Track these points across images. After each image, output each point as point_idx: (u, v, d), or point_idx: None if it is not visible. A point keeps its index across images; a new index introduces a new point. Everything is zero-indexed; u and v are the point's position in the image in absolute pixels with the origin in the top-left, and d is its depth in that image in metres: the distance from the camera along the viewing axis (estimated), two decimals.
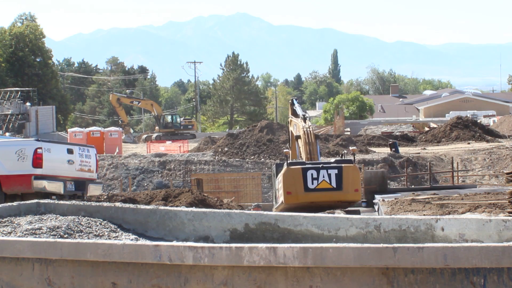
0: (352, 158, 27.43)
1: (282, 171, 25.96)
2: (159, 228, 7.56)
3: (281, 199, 26.36)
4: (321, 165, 25.99)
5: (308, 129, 28.52)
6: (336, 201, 25.62)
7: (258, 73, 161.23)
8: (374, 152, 49.10)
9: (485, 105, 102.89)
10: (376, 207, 26.57)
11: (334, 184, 25.60)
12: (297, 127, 30.23)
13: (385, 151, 49.55)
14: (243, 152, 48.52)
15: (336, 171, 25.63)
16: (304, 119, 29.97)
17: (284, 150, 28.54)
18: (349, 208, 26.62)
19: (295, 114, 32.10)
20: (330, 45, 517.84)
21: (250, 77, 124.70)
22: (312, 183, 25.61)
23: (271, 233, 7.18)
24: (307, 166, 25.96)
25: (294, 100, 34.03)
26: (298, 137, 29.31)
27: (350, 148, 31.12)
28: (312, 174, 25.60)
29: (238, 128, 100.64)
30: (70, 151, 19.01)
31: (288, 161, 26.64)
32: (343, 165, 25.90)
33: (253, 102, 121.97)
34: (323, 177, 25.60)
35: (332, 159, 28.49)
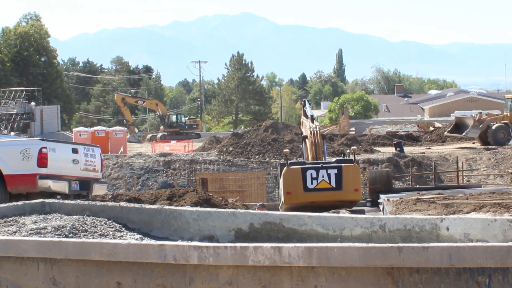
0: (352, 157, 27.48)
1: (283, 171, 26.03)
2: (164, 228, 7.56)
3: (282, 199, 26.45)
4: (320, 165, 26.01)
5: (314, 130, 28.57)
6: (336, 200, 25.62)
7: (263, 72, 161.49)
8: (379, 151, 49.07)
9: (490, 105, 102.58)
10: (381, 207, 26.56)
11: (333, 184, 25.63)
12: (305, 128, 30.34)
13: (390, 150, 49.50)
14: (248, 151, 48.52)
15: (335, 170, 25.65)
16: (312, 119, 30.06)
17: (284, 150, 28.57)
18: (354, 208, 26.65)
19: (305, 115, 32.25)
20: (335, 44, 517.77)
21: (255, 77, 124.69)
22: (312, 183, 25.64)
23: (276, 232, 7.18)
24: (306, 166, 25.98)
25: (306, 101, 34.19)
26: (305, 137, 29.38)
27: (351, 147, 31.19)
28: (311, 174, 25.62)
29: (243, 127, 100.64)
30: (75, 151, 19.01)
31: (289, 161, 26.70)
32: (343, 165, 25.92)
33: (258, 101, 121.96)
34: (323, 177, 25.62)
35: (334, 159, 28.56)
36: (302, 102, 34.83)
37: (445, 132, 56.41)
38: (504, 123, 50.61)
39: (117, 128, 68.33)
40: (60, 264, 5.76)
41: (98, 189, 19.78)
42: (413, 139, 60.21)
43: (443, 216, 6.76)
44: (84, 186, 19.09)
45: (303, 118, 32.43)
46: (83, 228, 7.25)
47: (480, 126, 50.12)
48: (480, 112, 53.17)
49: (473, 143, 53.14)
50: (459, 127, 52.13)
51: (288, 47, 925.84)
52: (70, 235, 7.02)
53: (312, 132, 28.52)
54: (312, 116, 30.70)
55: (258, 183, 41.73)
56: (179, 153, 52.17)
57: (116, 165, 47.16)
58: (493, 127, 50.14)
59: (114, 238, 7.15)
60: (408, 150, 50.50)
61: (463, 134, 51.09)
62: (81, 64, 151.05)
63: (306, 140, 29.12)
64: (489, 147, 48.66)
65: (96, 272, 5.64)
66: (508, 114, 52.01)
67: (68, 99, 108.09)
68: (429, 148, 52.58)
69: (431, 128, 68.94)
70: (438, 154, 47.92)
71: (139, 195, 21.83)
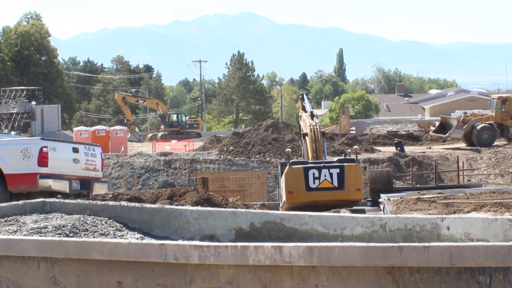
0: (354, 157, 27.48)
1: (285, 171, 26.01)
2: (165, 227, 7.56)
3: (284, 198, 26.44)
4: (323, 164, 26.01)
5: (315, 127, 28.55)
6: (338, 200, 25.64)
7: (263, 72, 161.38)
8: (380, 151, 49.09)
9: (490, 105, 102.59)
10: (381, 206, 26.55)
11: (335, 184, 25.64)
12: (305, 123, 30.28)
13: (390, 150, 49.52)
14: (249, 151, 48.52)
15: (338, 170, 25.65)
16: (312, 116, 29.98)
17: (286, 150, 28.56)
18: (355, 207, 26.65)
19: (304, 109, 32.14)
20: (336, 44, 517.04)
21: (255, 76, 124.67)
22: (314, 183, 25.64)
23: (277, 232, 7.18)
24: (309, 165, 25.98)
25: (304, 95, 34.06)
26: (305, 134, 29.35)
27: (353, 147, 31.18)
28: (313, 174, 25.62)
29: (243, 127, 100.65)
30: (75, 150, 19.00)
31: (291, 161, 26.66)
32: (345, 164, 25.93)
33: (259, 101, 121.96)
34: (325, 176, 25.62)
35: (336, 158, 28.54)
36: (301, 96, 34.68)
37: (430, 132, 56.40)
38: (489, 124, 50.24)
39: (118, 127, 68.33)
40: (60, 264, 5.75)
41: (99, 189, 19.78)
42: (413, 138, 60.23)
43: (444, 216, 6.76)
44: (85, 185, 19.09)
45: (302, 113, 32.32)
46: (84, 228, 7.24)
47: (464, 126, 49.84)
48: (465, 112, 53.02)
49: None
50: (444, 127, 52.01)
51: (289, 47, 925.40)
52: (71, 235, 7.01)
53: (312, 129, 28.50)
54: (312, 112, 30.64)
55: (258, 182, 41.75)
56: (180, 153, 52.17)
57: (117, 165, 47.18)
58: (478, 128, 49.80)
59: (115, 237, 7.14)
60: (408, 149, 50.51)
61: (447, 134, 50.95)
62: (81, 64, 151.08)
63: (306, 137, 29.10)
64: (483, 148, 48.59)
65: (97, 272, 5.64)
66: (494, 114, 51.62)
67: (69, 98, 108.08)
68: (430, 148, 52.58)
69: (432, 128, 68.92)
70: (439, 153, 47.94)
71: (139, 195, 21.84)
